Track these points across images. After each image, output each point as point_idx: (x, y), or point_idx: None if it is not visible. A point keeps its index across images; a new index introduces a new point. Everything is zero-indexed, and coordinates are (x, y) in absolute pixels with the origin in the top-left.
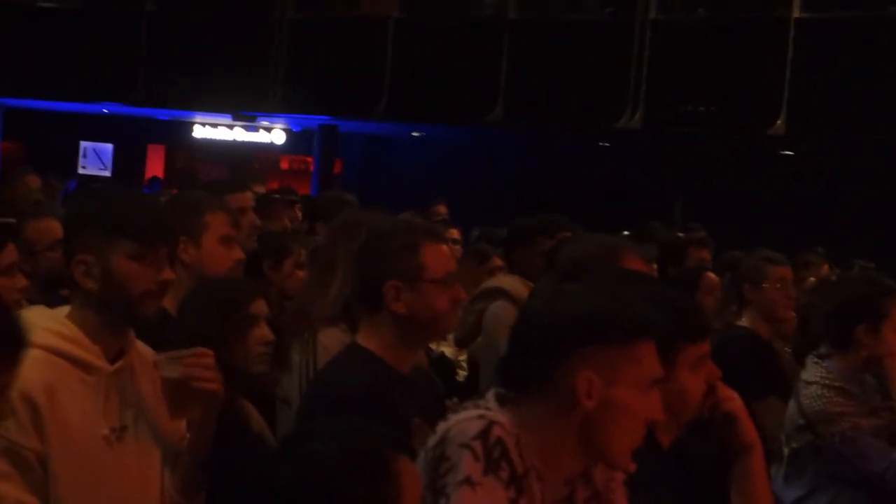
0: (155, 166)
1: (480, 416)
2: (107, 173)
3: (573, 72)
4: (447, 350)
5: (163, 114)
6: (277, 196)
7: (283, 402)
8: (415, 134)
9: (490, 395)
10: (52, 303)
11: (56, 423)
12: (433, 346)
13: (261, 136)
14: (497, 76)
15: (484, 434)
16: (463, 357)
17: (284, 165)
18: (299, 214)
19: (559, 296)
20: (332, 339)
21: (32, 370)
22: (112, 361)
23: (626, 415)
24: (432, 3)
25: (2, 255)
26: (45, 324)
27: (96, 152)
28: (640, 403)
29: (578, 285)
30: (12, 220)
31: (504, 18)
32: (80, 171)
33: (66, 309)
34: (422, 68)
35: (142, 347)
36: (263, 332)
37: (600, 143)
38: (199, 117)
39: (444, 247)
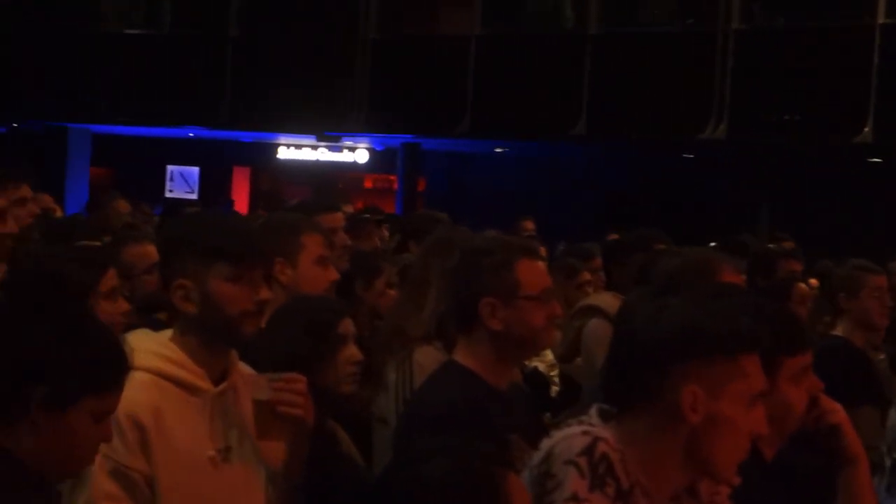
0: (240, 188)
1: (585, 433)
2: (193, 196)
3: (656, 84)
4: (540, 365)
5: (247, 136)
6: (367, 216)
7: (380, 421)
8: (498, 150)
9: (593, 411)
10: (149, 326)
11: (163, 444)
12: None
13: (344, 156)
14: (580, 90)
15: (589, 450)
16: (555, 372)
17: (368, 184)
18: (386, 233)
19: (660, 310)
20: (427, 358)
21: (139, 393)
22: (215, 383)
23: (731, 428)
24: (513, 20)
25: (103, 280)
26: (150, 347)
27: (183, 176)
28: (745, 417)
29: (678, 299)
30: (98, 244)
31: (585, 32)
32: (168, 194)
33: (169, 332)
34: (504, 84)
35: (244, 368)
36: (353, 351)
37: (684, 155)
38: (283, 139)
39: (540, 263)
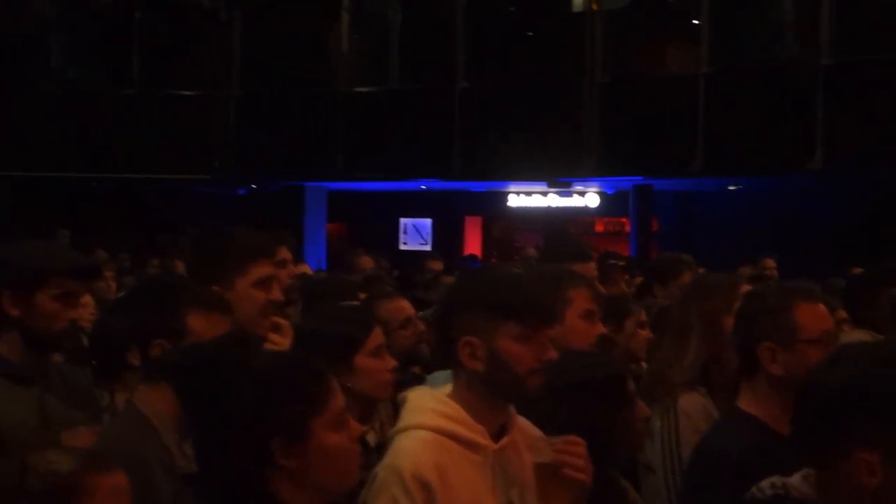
0: (473, 237)
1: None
2: (427, 247)
3: (894, 111)
4: None
5: (478, 186)
6: (613, 261)
7: (646, 468)
8: (731, 188)
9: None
10: (405, 381)
11: (448, 502)
12: None
13: (574, 201)
14: (813, 122)
15: None
16: None
17: (599, 228)
18: (626, 277)
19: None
20: (692, 404)
21: (423, 452)
22: (494, 438)
23: None
24: (741, 54)
25: (371, 338)
26: (431, 405)
27: (416, 228)
28: None
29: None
30: (358, 303)
31: (817, 63)
32: (402, 246)
33: (447, 388)
34: (735, 120)
35: (523, 423)
36: (642, 407)
37: None
38: (513, 186)
39: (820, 306)
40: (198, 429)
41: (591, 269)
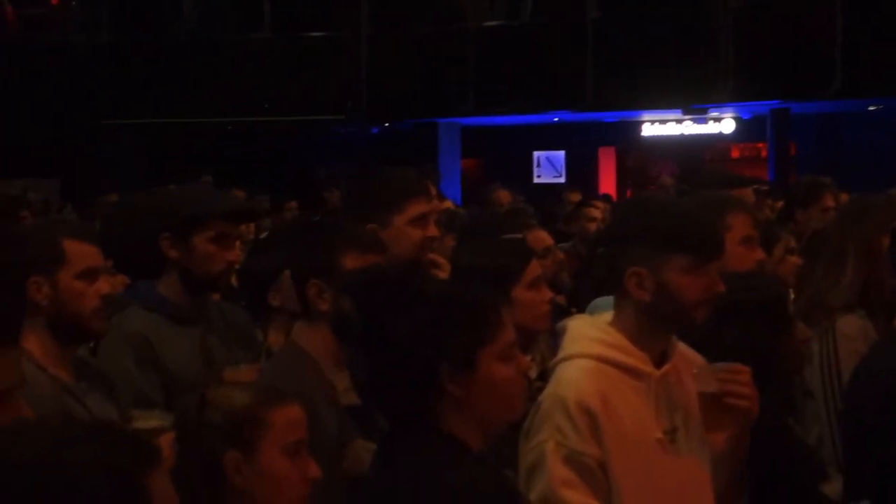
0: (607, 168)
1: None
2: (561, 180)
3: None
4: None
5: (611, 116)
6: (757, 187)
7: (805, 393)
8: (871, 108)
9: None
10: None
11: (612, 429)
12: None
13: (709, 128)
14: None
15: None
16: None
17: (735, 154)
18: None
19: None
20: (850, 327)
21: (585, 380)
22: (656, 365)
23: None
24: None
25: (528, 270)
26: (592, 333)
27: (550, 161)
28: None
29: None
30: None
31: None
32: (536, 180)
33: (607, 316)
34: (876, 41)
35: (684, 349)
36: (802, 328)
37: None
38: (647, 115)
39: None
40: (365, 354)
41: (748, 194)
